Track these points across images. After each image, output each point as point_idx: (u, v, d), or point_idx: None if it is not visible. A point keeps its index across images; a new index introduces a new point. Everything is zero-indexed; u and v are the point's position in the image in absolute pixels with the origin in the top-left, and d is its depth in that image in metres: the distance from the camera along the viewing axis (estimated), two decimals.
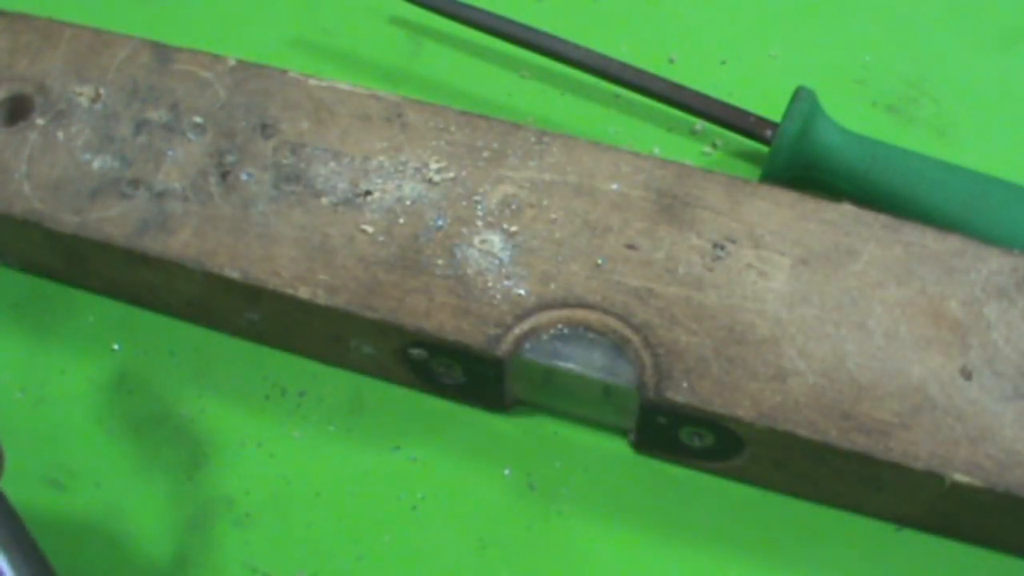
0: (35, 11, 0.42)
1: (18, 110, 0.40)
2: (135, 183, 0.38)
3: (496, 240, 0.36)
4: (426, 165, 0.38)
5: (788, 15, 0.48)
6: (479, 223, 0.36)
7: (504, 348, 0.34)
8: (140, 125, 0.39)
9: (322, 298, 0.35)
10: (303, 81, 0.40)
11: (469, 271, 0.36)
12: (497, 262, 0.36)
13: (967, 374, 0.33)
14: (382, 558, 0.36)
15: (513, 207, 0.37)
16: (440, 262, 0.36)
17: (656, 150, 0.44)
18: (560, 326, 0.35)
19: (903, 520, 0.36)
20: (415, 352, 0.36)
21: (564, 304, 0.35)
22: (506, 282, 0.35)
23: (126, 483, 0.37)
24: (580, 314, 0.35)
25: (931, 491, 0.33)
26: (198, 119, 0.39)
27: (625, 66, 0.43)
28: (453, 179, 0.37)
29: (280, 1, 0.49)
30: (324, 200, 0.37)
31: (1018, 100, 0.46)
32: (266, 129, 0.39)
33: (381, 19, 0.49)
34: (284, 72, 0.40)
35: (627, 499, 0.37)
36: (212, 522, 0.36)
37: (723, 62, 0.47)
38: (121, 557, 0.36)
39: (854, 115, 0.44)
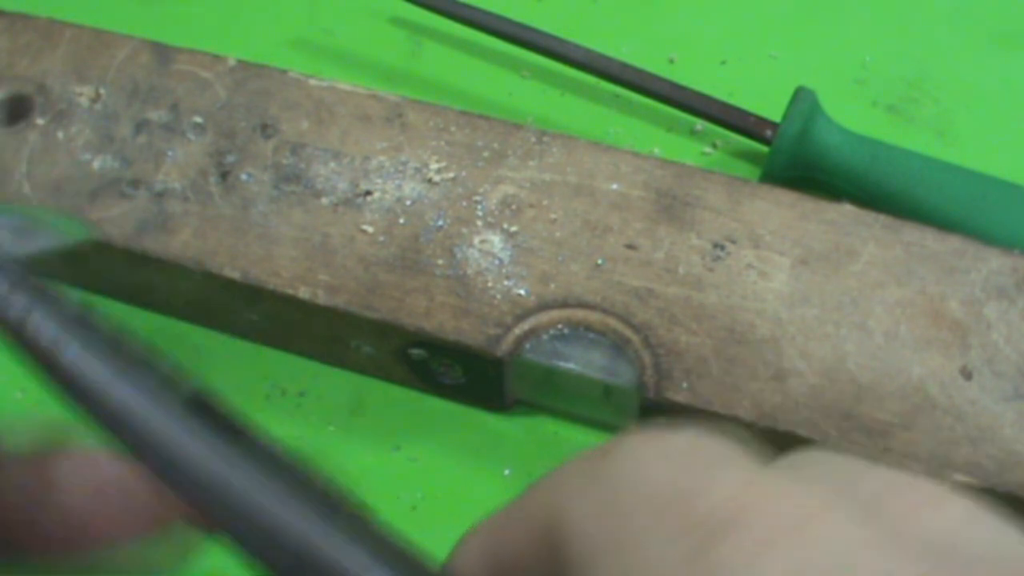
0: (35, 11, 0.42)
1: (18, 110, 0.40)
2: (135, 183, 0.38)
3: (496, 240, 0.36)
4: (426, 165, 0.38)
5: (788, 15, 0.48)
6: (479, 223, 0.36)
7: (504, 348, 0.34)
8: (140, 125, 0.39)
9: (322, 298, 0.35)
10: (303, 81, 0.40)
11: (469, 271, 0.36)
12: (497, 262, 0.36)
13: (967, 374, 0.33)
14: None
15: (513, 207, 0.37)
16: (440, 262, 0.36)
17: (656, 150, 0.44)
18: (560, 326, 0.35)
19: None
20: (415, 352, 0.36)
21: (564, 304, 0.35)
22: (506, 282, 0.35)
23: None
24: (580, 314, 0.35)
25: None
26: (198, 119, 0.39)
27: (625, 66, 0.43)
28: (453, 179, 0.37)
29: (280, 1, 0.49)
30: (324, 200, 0.37)
31: (1018, 100, 0.46)
32: (266, 129, 0.39)
33: (381, 19, 0.49)
34: (284, 72, 0.40)
35: None
36: None
37: (723, 62, 0.47)
38: None
39: (854, 115, 0.44)
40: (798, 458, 0.17)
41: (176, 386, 0.19)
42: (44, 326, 0.19)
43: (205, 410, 0.18)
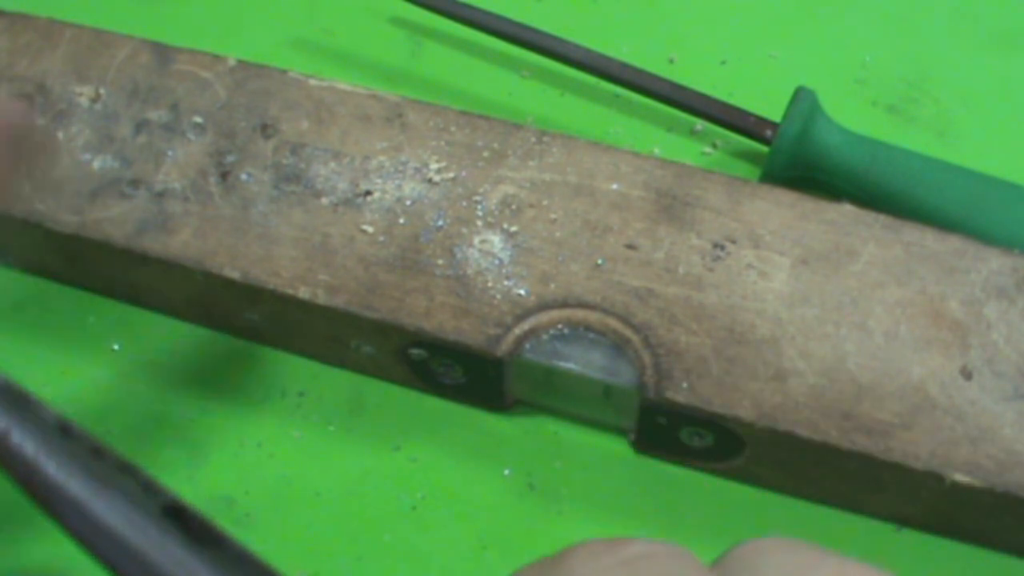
0: (35, 11, 0.42)
1: None
2: (135, 183, 0.38)
3: (496, 240, 0.36)
4: (426, 165, 0.38)
5: (788, 15, 0.48)
6: (479, 223, 0.36)
7: (504, 348, 0.34)
8: (140, 125, 0.39)
9: (322, 298, 0.35)
10: (303, 81, 0.40)
11: (469, 271, 0.36)
12: (497, 262, 0.36)
13: (967, 374, 0.33)
14: (382, 558, 0.36)
15: (513, 207, 0.37)
16: (440, 262, 0.36)
17: (656, 150, 0.44)
18: (560, 326, 0.35)
19: (903, 520, 0.36)
20: (415, 352, 0.36)
21: (564, 304, 0.35)
22: (506, 282, 0.35)
23: None
24: (580, 314, 0.35)
25: (931, 491, 0.33)
26: (198, 119, 0.39)
27: (625, 66, 0.43)
28: (453, 179, 0.37)
29: (280, 1, 0.49)
30: (324, 200, 0.37)
31: (1018, 100, 0.46)
32: (266, 129, 0.39)
33: (381, 19, 0.49)
34: (284, 72, 0.40)
35: (627, 499, 0.37)
36: None
37: (723, 62, 0.47)
38: None
39: (854, 115, 0.44)
40: (745, 556, 0.17)
41: (153, 496, 0.19)
42: (24, 443, 0.19)
43: (181, 519, 0.19)
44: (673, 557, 0.16)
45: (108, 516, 0.18)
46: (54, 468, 0.19)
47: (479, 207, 0.37)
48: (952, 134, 0.45)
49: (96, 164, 0.38)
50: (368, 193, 0.37)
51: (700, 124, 0.45)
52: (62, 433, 0.19)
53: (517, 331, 0.35)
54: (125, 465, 0.19)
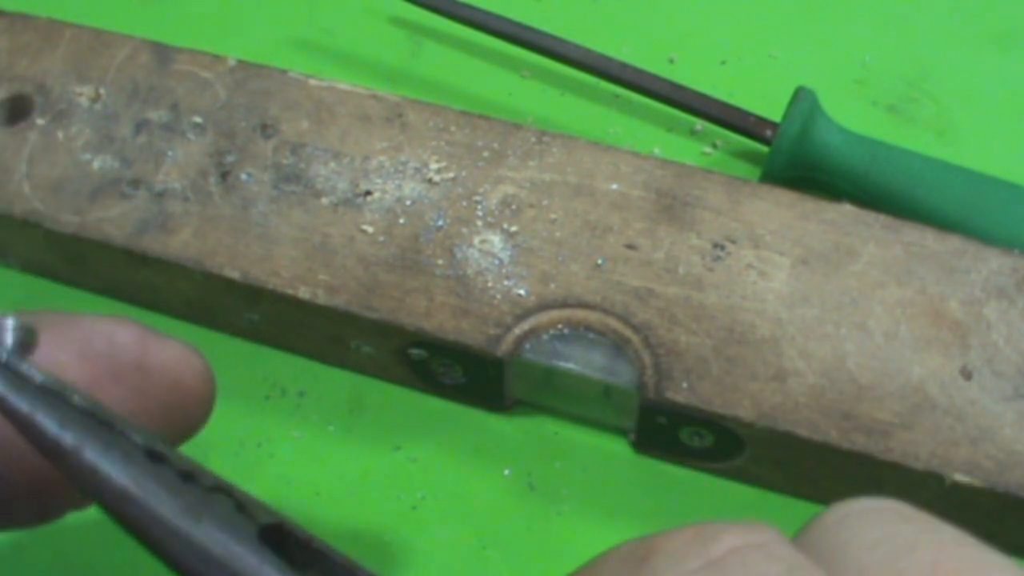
0: (35, 11, 0.42)
1: (18, 110, 0.40)
2: (135, 183, 0.38)
3: (496, 240, 0.36)
4: (426, 165, 0.38)
5: (788, 15, 0.48)
6: (479, 223, 0.36)
7: (504, 348, 0.34)
8: (140, 125, 0.39)
9: (322, 298, 0.35)
10: (303, 81, 0.40)
11: (469, 271, 0.36)
12: (497, 262, 0.36)
13: (967, 374, 0.33)
14: (382, 558, 0.36)
15: (513, 207, 0.37)
16: (440, 262, 0.36)
17: (656, 150, 0.44)
18: (560, 326, 0.35)
19: None
20: (415, 352, 0.36)
21: (564, 304, 0.35)
22: (506, 282, 0.35)
23: None
24: (580, 314, 0.35)
25: (931, 491, 0.33)
26: (198, 119, 0.39)
27: (625, 66, 0.43)
28: (453, 179, 0.37)
29: (280, 1, 0.49)
30: (324, 200, 0.37)
31: (1018, 100, 0.46)
32: (266, 129, 0.39)
33: (381, 19, 0.49)
34: (284, 72, 0.40)
35: (627, 499, 0.37)
36: None
37: (723, 62, 0.47)
38: (122, 557, 0.36)
39: (854, 115, 0.44)
40: (830, 528, 0.16)
41: (249, 517, 0.18)
42: (112, 474, 0.18)
43: (279, 541, 0.18)
44: (763, 550, 0.16)
45: (203, 544, 0.18)
46: (144, 498, 0.18)
47: (479, 207, 0.37)
48: (952, 134, 0.45)
49: (96, 164, 0.38)
50: (368, 193, 0.37)
51: (700, 124, 0.45)
52: (150, 458, 0.19)
53: (517, 331, 0.35)
54: (219, 485, 0.19)
